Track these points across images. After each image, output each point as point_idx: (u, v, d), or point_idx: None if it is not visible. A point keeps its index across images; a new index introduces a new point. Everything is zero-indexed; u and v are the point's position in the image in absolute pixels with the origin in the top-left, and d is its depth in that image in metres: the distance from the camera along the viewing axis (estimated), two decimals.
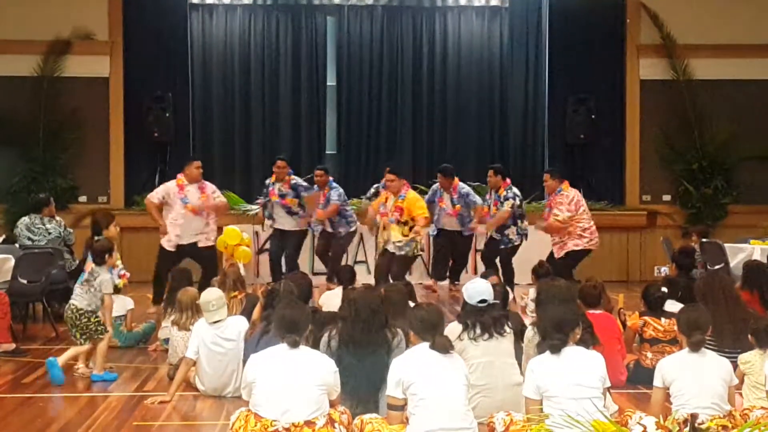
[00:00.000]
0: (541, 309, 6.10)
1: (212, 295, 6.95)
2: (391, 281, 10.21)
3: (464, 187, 12.11)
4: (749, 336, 6.03)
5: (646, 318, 7.28)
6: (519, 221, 11.46)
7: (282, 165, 11.76)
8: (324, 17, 15.37)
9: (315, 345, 5.73)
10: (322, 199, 11.83)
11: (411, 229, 10.91)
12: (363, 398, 5.58)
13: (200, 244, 10.50)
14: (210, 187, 10.76)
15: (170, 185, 10.59)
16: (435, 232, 12.27)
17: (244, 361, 5.66)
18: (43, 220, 10.24)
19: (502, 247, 11.50)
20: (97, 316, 7.21)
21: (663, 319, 7.20)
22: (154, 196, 10.60)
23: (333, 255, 11.96)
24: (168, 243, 10.44)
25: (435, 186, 12.26)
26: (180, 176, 10.61)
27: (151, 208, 10.57)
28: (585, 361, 4.99)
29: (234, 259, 12.12)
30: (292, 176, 11.82)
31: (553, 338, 5.01)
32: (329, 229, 11.96)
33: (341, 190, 11.95)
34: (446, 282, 12.60)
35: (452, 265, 12.50)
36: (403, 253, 10.92)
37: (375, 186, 12.55)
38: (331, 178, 12.11)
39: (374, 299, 5.99)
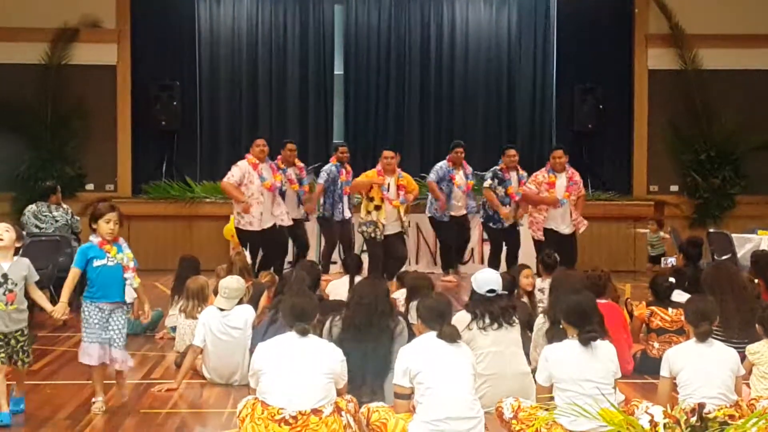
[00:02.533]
0: (554, 298, 6.12)
1: (232, 283, 6.93)
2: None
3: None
4: (756, 325, 6.03)
5: (653, 308, 7.29)
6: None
7: (292, 148, 11.73)
8: (331, 5, 15.33)
9: (320, 333, 5.74)
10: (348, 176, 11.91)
11: (377, 207, 11.11)
12: (367, 384, 5.59)
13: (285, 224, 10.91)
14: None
15: (243, 164, 10.56)
16: (446, 218, 12.09)
17: (251, 350, 5.67)
18: (50, 208, 10.26)
19: (493, 225, 11.70)
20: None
21: (670, 309, 7.21)
22: (231, 178, 10.48)
23: (342, 242, 11.96)
24: (250, 225, 10.54)
25: (443, 165, 12.08)
26: (249, 156, 10.66)
27: (230, 188, 10.48)
28: (601, 352, 5.02)
29: (241, 247, 12.10)
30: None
31: (584, 330, 5.02)
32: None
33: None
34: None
35: (455, 252, 12.50)
36: (363, 233, 11.16)
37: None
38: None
39: (379, 286, 6.00)
